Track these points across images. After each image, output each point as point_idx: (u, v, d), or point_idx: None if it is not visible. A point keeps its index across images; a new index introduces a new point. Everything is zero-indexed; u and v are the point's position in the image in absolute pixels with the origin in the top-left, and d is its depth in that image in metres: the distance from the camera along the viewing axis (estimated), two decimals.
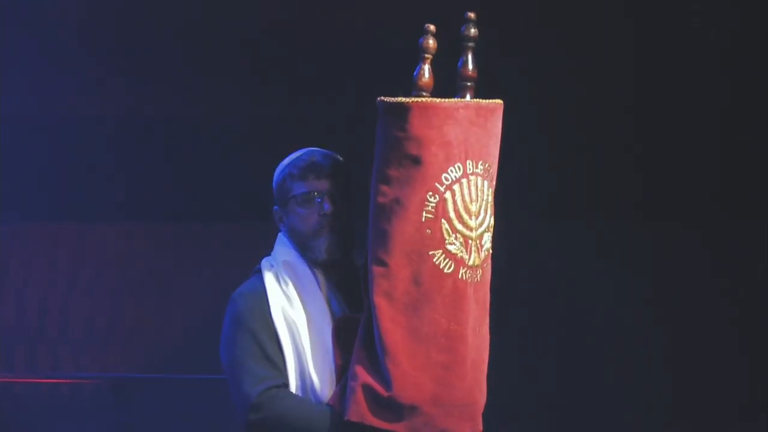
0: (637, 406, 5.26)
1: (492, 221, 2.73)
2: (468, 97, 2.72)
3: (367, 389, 2.60)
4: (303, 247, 2.78)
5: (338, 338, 2.72)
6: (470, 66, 2.71)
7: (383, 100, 2.63)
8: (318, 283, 2.76)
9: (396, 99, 2.63)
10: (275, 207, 2.83)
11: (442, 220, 2.62)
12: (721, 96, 5.08)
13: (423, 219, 2.61)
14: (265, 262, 2.80)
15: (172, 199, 5.09)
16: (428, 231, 2.62)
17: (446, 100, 2.66)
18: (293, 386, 2.70)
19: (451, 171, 2.62)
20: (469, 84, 2.71)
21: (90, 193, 5.09)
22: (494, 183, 2.74)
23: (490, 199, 2.72)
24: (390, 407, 2.60)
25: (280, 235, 2.83)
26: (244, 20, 4.91)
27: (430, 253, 2.61)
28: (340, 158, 2.85)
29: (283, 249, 2.81)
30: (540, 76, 4.96)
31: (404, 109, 2.61)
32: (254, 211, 5.28)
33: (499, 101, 2.73)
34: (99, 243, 5.18)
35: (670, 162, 5.22)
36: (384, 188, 2.63)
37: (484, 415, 2.75)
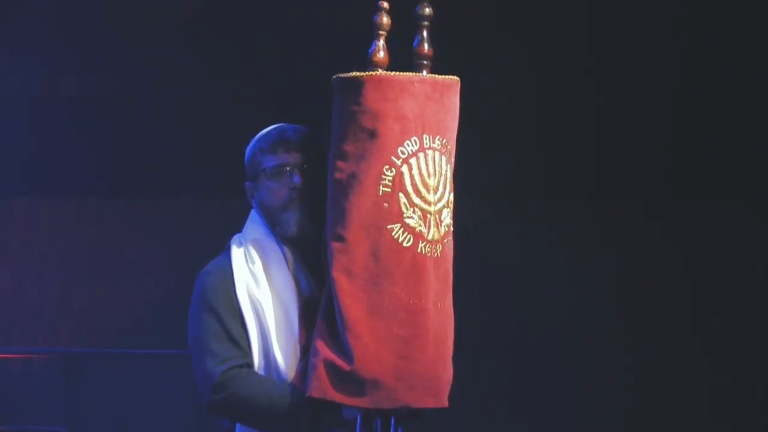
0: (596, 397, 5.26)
1: (451, 197, 2.68)
2: (424, 74, 2.67)
3: (329, 364, 2.56)
4: (273, 221, 2.73)
5: (304, 318, 2.68)
6: (426, 45, 2.66)
7: (338, 77, 2.59)
8: (286, 261, 2.72)
9: (351, 74, 2.59)
10: (247, 183, 2.78)
11: (400, 194, 2.58)
12: (721, 95, 5.04)
13: (380, 193, 2.58)
14: (234, 239, 2.76)
15: (126, 176, 5.06)
16: (386, 205, 2.58)
17: (402, 73, 2.62)
18: (257, 366, 2.66)
19: (408, 144, 2.59)
20: (425, 62, 2.66)
21: (42, 169, 5.05)
22: (453, 160, 2.70)
23: (449, 175, 2.67)
24: (352, 381, 2.56)
25: (252, 212, 2.79)
26: None
27: (389, 227, 2.58)
28: (312, 133, 2.80)
29: (253, 226, 2.77)
30: (498, 57, 4.92)
31: (359, 83, 2.57)
32: (212, 188, 5.38)
33: (456, 78, 2.68)
34: (53, 218, 5.15)
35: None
36: (340, 164, 2.59)
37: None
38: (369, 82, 2.57)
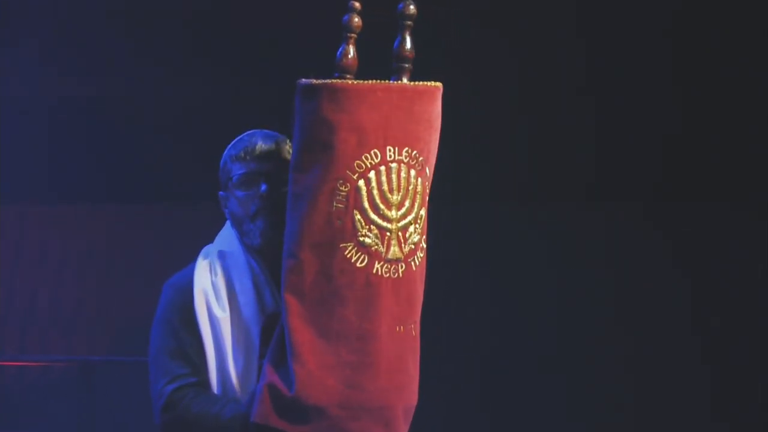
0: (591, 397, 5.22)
1: (422, 213, 2.50)
2: (404, 79, 2.49)
3: (272, 389, 2.42)
4: (241, 232, 2.62)
5: (266, 335, 2.54)
6: (407, 46, 2.49)
7: (298, 82, 2.43)
8: (251, 275, 2.60)
9: (308, 80, 2.42)
10: (220, 192, 2.69)
11: (354, 211, 2.42)
12: (721, 95, 5.02)
13: (333, 209, 2.41)
14: (203, 250, 2.66)
15: (141, 182, 5.05)
16: (339, 222, 2.41)
17: (363, 82, 2.44)
18: (214, 383, 2.56)
19: (366, 158, 2.42)
20: (405, 65, 2.49)
21: (54, 176, 5.06)
22: (428, 172, 2.51)
23: (420, 188, 2.49)
24: (294, 408, 2.41)
25: (227, 222, 2.69)
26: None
27: (341, 245, 2.41)
28: (287, 139, 2.66)
29: (223, 236, 2.67)
30: (485, 56, 4.85)
31: (314, 90, 2.40)
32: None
33: (436, 84, 2.50)
34: (67, 225, 5.15)
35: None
36: (296, 176, 2.44)
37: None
38: (324, 90, 2.39)
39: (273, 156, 2.60)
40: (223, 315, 2.55)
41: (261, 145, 2.61)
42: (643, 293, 5.21)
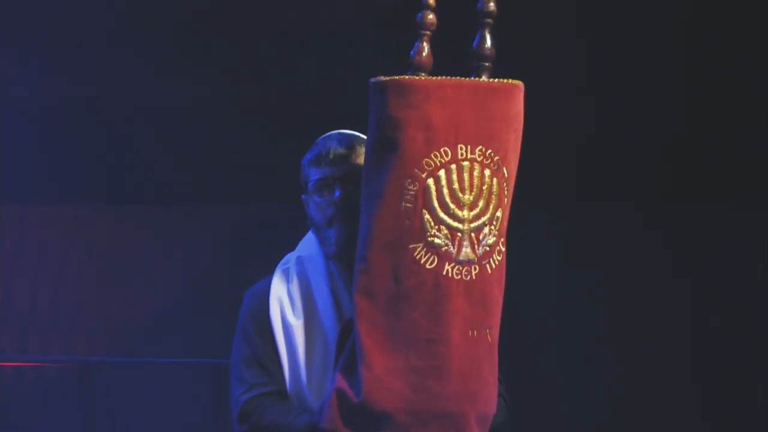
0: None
1: (499, 213, 2.40)
2: (484, 77, 2.41)
3: (341, 395, 2.37)
4: (320, 238, 2.57)
5: (341, 343, 2.47)
6: (487, 44, 2.41)
7: (371, 80, 2.37)
8: (329, 282, 2.55)
9: (377, 78, 2.36)
10: (302, 196, 2.62)
11: (424, 210, 2.34)
12: (721, 95, 4.99)
13: (402, 208, 2.34)
14: (284, 258, 2.62)
15: (139, 183, 5.05)
16: (408, 222, 2.34)
17: (433, 78, 2.37)
18: (290, 391, 2.53)
19: (435, 156, 2.34)
20: (486, 64, 2.41)
21: (56, 177, 5.05)
22: (505, 172, 2.41)
23: (496, 189, 2.39)
24: (361, 414, 2.36)
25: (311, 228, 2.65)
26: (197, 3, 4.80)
27: (411, 246, 2.35)
28: (363, 141, 2.56)
29: (304, 242, 2.63)
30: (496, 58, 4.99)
31: (383, 87, 2.34)
32: (230, 195, 5.40)
33: (514, 82, 2.41)
34: (66, 226, 5.15)
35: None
36: (368, 175, 2.38)
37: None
38: (391, 86, 2.33)
39: (348, 159, 2.54)
40: (297, 322, 2.52)
41: (335, 149, 2.54)
42: (643, 294, 5.19)
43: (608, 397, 5.16)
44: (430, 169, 2.33)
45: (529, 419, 5.00)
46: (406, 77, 2.33)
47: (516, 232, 5.18)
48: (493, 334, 2.40)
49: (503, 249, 2.40)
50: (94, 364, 4.88)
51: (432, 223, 2.34)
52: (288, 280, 2.55)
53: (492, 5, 2.40)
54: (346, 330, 2.44)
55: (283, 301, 2.54)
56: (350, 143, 2.55)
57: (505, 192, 2.39)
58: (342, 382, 2.36)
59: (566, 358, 5.18)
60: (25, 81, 4.86)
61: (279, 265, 2.59)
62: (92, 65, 4.88)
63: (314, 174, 2.54)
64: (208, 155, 4.95)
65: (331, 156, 2.52)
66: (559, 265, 5.18)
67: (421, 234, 2.33)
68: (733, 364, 5.13)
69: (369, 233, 2.35)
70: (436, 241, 2.34)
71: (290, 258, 2.59)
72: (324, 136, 2.60)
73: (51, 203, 5.09)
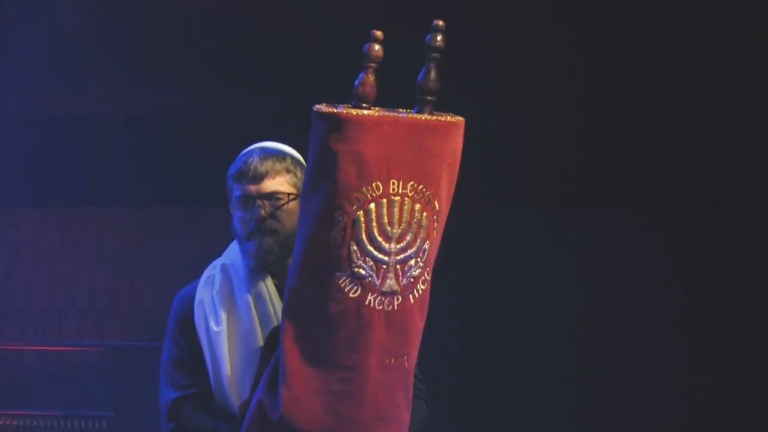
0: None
1: (426, 246, 2.38)
2: (426, 111, 2.38)
3: (261, 408, 2.38)
4: (241, 250, 2.58)
5: (267, 347, 2.48)
6: (432, 78, 2.37)
7: (313, 109, 2.34)
8: (251, 290, 2.55)
9: (318, 107, 2.33)
10: (229, 206, 2.64)
11: (351, 242, 2.32)
12: (719, 95, 4.94)
13: (331, 238, 2.32)
14: (210, 265, 2.63)
15: (163, 187, 5.17)
16: (336, 251, 2.32)
17: (371, 113, 2.32)
18: (215, 393, 2.56)
19: (367, 190, 2.32)
20: (429, 98, 2.37)
21: (92, 181, 5.19)
22: (437, 206, 2.38)
23: (425, 222, 2.37)
24: (278, 430, 2.36)
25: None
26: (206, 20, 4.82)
27: (336, 274, 2.33)
28: (288, 156, 2.59)
29: (229, 251, 2.63)
30: (483, 59, 4.76)
31: (322, 117, 2.31)
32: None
33: (454, 119, 2.38)
34: (101, 226, 5.29)
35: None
36: (304, 201, 2.36)
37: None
38: (329, 119, 2.30)
39: (269, 176, 2.54)
40: (218, 329, 2.52)
41: (257, 166, 2.54)
42: (643, 294, 5.16)
43: (607, 397, 5.12)
44: (361, 202, 2.31)
45: (525, 419, 5.11)
46: (344, 111, 2.30)
47: (510, 234, 5.23)
48: (410, 361, 2.41)
49: (428, 278, 2.40)
50: (126, 348, 5.04)
51: (358, 255, 2.32)
52: (212, 287, 2.56)
53: (439, 40, 2.35)
54: (274, 339, 2.44)
55: (206, 307, 2.54)
56: (271, 159, 2.55)
57: (435, 225, 2.38)
58: (264, 396, 2.37)
59: (567, 360, 5.14)
60: (30, 95, 4.97)
61: (205, 270, 2.61)
62: (103, 73, 4.95)
63: (236, 190, 2.56)
64: (225, 160, 5.11)
65: (251, 174, 2.53)
66: (558, 268, 5.15)
67: (347, 264, 2.31)
68: (733, 364, 5.09)
69: (300, 257, 2.34)
70: (361, 272, 2.33)
71: (216, 264, 2.61)
72: (247, 150, 2.60)
73: (85, 206, 5.23)
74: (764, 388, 5.06)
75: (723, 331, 5.10)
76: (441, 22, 2.36)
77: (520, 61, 4.82)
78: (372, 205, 2.32)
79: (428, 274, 2.40)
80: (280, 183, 2.54)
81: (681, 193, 5.08)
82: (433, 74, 2.37)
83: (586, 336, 5.11)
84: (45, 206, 5.21)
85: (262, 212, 2.53)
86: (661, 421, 5.11)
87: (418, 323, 2.41)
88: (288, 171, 2.56)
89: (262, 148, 2.58)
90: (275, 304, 2.53)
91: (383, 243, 2.34)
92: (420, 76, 2.37)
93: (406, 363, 2.40)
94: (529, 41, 4.76)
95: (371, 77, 2.33)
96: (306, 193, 2.34)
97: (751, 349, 5.08)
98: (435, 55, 2.36)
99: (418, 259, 2.37)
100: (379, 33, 2.32)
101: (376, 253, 2.34)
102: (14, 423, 4.84)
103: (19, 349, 5.13)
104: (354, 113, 2.30)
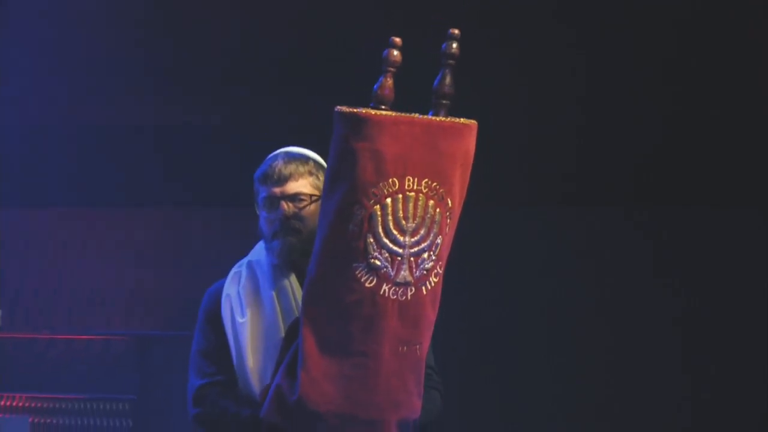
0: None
1: (438, 240, 2.46)
2: (441, 114, 2.47)
3: (280, 391, 2.47)
4: (267, 248, 2.67)
5: (287, 340, 2.55)
6: (447, 83, 2.47)
7: (335, 109, 2.43)
8: (274, 285, 2.63)
9: (339, 108, 2.42)
10: (255, 207, 2.72)
11: (368, 235, 2.41)
12: (717, 96, 4.89)
13: (350, 230, 2.41)
14: (237, 263, 2.71)
15: (182, 190, 5.30)
16: (353, 243, 2.41)
17: (389, 113, 2.41)
18: (239, 381, 2.63)
19: (384, 185, 2.41)
20: (444, 102, 2.47)
21: (119, 185, 5.35)
22: (450, 203, 2.47)
23: (438, 218, 2.46)
24: (296, 411, 2.45)
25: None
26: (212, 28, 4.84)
27: (354, 265, 2.41)
28: (311, 160, 2.68)
29: (256, 249, 2.72)
30: (481, 62, 4.71)
31: (341, 118, 2.41)
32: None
33: (466, 122, 2.47)
34: (128, 226, 5.46)
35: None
36: (325, 197, 2.45)
37: None
38: (350, 118, 2.39)
39: (292, 179, 2.63)
40: (243, 320, 2.61)
41: (281, 169, 2.63)
42: (643, 294, 5.12)
43: (607, 398, 5.09)
44: (378, 197, 2.40)
45: (525, 418, 5.08)
46: (364, 111, 2.39)
47: (510, 234, 5.20)
48: (422, 350, 2.49)
49: (441, 272, 2.48)
50: (148, 338, 5.19)
51: (374, 247, 2.41)
52: (239, 282, 2.65)
53: (455, 47, 2.45)
54: (294, 329, 2.52)
55: (232, 300, 2.64)
56: (294, 163, 2.65)
57: (447, 221, 2.47)
58: (283, 380, 2.46)
59: (567, 361, 5.11)
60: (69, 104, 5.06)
61: (233, 267, 2.70)
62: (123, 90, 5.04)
63: (262, 191, 2.65)
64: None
65: (275, 176, 2.63)
66: (558, 269, 5.12)
67: (364, 255, 2.40)
68: (733, 364, 5.04)
69: (319, 249, 2.43)
70: (377, 263, 2.41)
71: (243, 262, 2.70)
72: (272, 154, 2.70)
73: (114, 207, 5.39)
74: (764, 388, 5.00)
75: (723, 331, 5.05)
76: (457, 31, 2.44)
77: (520, 61, 4.79)
78: (388, 201, 2.41)
79: (440, 268, 2.49)
80: (303, 185, 2.63)
81: (681, 193, 5.03)
82: (448, 80, 2.46)
83: (586, 336, 5.06)
84: (79, 208, 5.39)
85: (286, 212, 2.61)
86: (661, 421, 5.07)
87: (430, 314, 2.49)
88: (310, 174, 2.66)
89: (286, 153, 2.68)
90: (297, 298, 2.62)
91: (398, 236, 2.42)
92: (436, 82, 2.47)
93: (418, 351, 2.48)
94: (529, 41, 4.75)
95: (390, 81, 2.42)
96: (326, 188, 2.44)
97: (751, 349, 5.03)
98: (450, 61, 2.46)
99: (431, 253, 2.45)
100: (398, 39, 2.41)
101: (391, 245, 2.42)
102: (46, 405, 5.02)
103: (50, 338, 5.32)
104: (373, 113, 2.40)
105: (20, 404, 4.95)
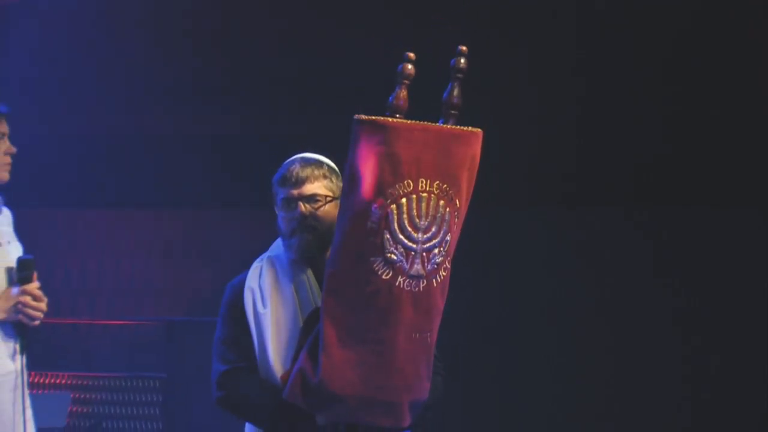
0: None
1: (447, 237, 2.59)
2: (450, 124, 2.60)
3: (303, 374, 2.58)
4: (285, 245, 2.79)
5: (305, 329, 2.67)
6: (456, 95, 2.60)
7: (354, 117, 2.56)
8: (293, 279, 2.75)
9: (359, 116, 2.55)
10: (275, 208, 2.83)
11: (385, 231, 2.53)
12: (719, 94, 4.83)
13: (368, 227, 2.54)
14: (258, 258, 2.83)
15: (201, 191, 5.47)
16: (371, 239, 2.53)
17: (404, 121, 2.55)
18: (259, 368, 2.73)
19: (399, 186, 2.54)
20: (453, 112, 2.60)
21: (150, 188, 5.56)
22: (457, 203, 2.60)
23: (448, 217, 2.59)
24: (317, 393, 2.57)
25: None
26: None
27: (371, 259, 2.54)
28: (325, 165, 2.80)
29: (274, 246, 2.84)
30: (480, 63, 4.43)
31: (362, 124, 2.54)
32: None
33: (474, 130, 2.61)
34: (157, 227, 5.68)
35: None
36: (344, 196, 2.59)
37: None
38: (369, 124, 2.53)
39: (308, 181, 2.76)
40: (264, 311, 2.74)
41: (298, 172, 2.77)
42: (643, 294, 5.11)
43: (607, 398, 5.10)
44: (394, 197, 2.56)
45: (525, 418, 5.09)
46: (381, 118, 2.55)
47: (510, 235, 5.20)
48: (432, 337, 2.65)
49: (449, 266, 2.64)
50: (176, 323, 5.36)
51: (390, 242, 2.56)
52: (260, 276, 2.78)
53: (463, 62, 2.62)
54: (313, 318, 2.66)
55: (255, 293, 2.77)
56: (312, 165, 2.79)
57: (455, 220, 2.63)
58: (306, 363, 2.59)
59: (568, 362, 5.11)
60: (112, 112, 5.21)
61: (254, 263, 2.83)
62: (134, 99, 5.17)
63: (280, 193, 2.79)
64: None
65: (293, 179, 2.77)
66: (559, 270, 5.13)
67: (381, 250, 2.55)
68: (733, 364, 5.02)
69: (340, 245, 2.57)
70: (393, 257, 2.56)
71: (263, 257, 2.84)
72: (289, 159, 2.85)
73: (144, 208, 5.61)
74: (764, 388, 4.99)
75: (723, 331, 5.02)
76: (465, 48, 2.62)
77: (520, 61, 4.80)
78: (403, 200, 2.56)
79: (449, 263, 2.63)
80: (318, 187, 2.77)
81: (681, 193, 5.02)
82: (456, 92, 2.63)
83: (586, 336, 5.06)
84: (117, 210, 5.63)
85: (304, 212, 2.74)
86: (661, 421, 5.06)
87: (440, 304, 2.64)
88: (325, 177, 2.79)
89: (302, 158, 2.82)
90: (314, 291, 2.75)
91: (412, 232, 2.57)
92: (445, 94, 2.63)
93: (428, 339, 2.63)
94: (529, 41, 4.76)
95: (404, 92, 2.59)
96: (346, 189, 2.59)
97: (751, 348, 5.00)
98: (459, 75, 2.62)
99: (441, 249, 2.60)
100: (411, 54, 2.59)
101: (406, 241, 2.57)
102: (85, 383, 5.34)
103: (89, 323, 5.62)
104: (390, 120, 2.57)
105: (63, 382, 5.29)
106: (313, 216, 2.75)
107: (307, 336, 2.64)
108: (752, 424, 4.97)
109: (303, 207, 2.75)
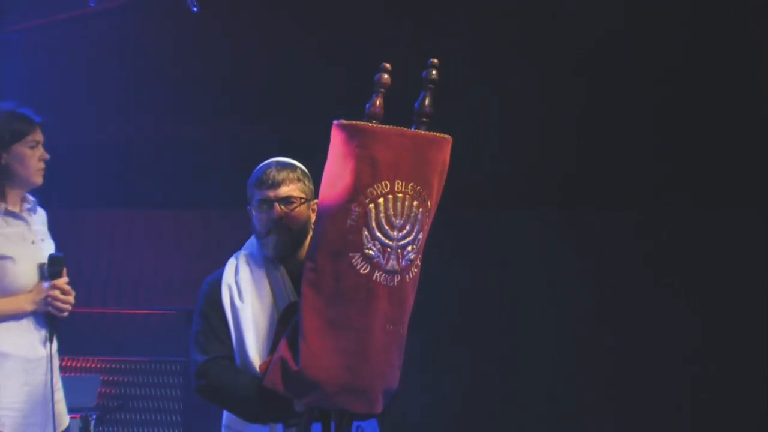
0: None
1: (420, 236, 2.70)
2: (422, 131, 2.71)
3: (282, 362, 2.66)
4: (260, 243, 2.88)
5: (281, 322, 2.76)
6: (427, 105, 2.71)
7: (334, 121, 2.66)
8: (267, 275, 2.84)
9: (339, 121, 2.65)
10: (248, 207, 2.91)
11: (363, 228, 2.63)
12: (719, 94, 4.81)
13: (347, 225, 2.63)
14: (233, 256, 2.92)
15: (217, 192, 5.51)
16: (350, 236, 2.63)
17: (382, 126, 2.65)
18: (237, 359, 2.82)
19: (377, 187, 2.64)
20: (424, 120, 2.72)
21: (170, 189, 5.67)
22: (429, 204, 2.71)
23: (420, 217, 2.69)
24: (297, 380, 2.65)
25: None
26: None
27: (350, 254, 2.63)
28: (299, 168, 2.88)
29: (248, 244, 2.93)
30: (478, 64, 4.69)
31: (342, 128, 2.65)
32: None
33: (445, 136, 2.71)
34: (176, 227, 5.82)
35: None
36: (321, 196, 2.69)
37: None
38: (350, 128, 2.64)
39: (284, 183, 2.86)
40: (242, 305, 2.84)
41: (274, 175, 2.87)
42: (643, 294, 5.10)
43: (607, 398, 5.10)
44: (372, 197, 2.66)
45: (525, 418, 5.09)
46: (362, 123, 2.67)
47: (510, 235, 5.19)
48: (404, 329, 2.76)
49: (419, 263, 2.76)
50: (191, 312, 4.94)
51: (369, 239, 2.66)
52: (236, 272, 2.89)
53: (434, 74, 2.73)
54: (289, 312, 2.76)
55: (231, 288, 2.87)
56: (286, 170, 2.89)
57: (427, 220, 2.75)
58: (286, 353, 2.68)
59: (570, 363, 5.12)
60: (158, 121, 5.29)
61: (229, 260, 2.93)
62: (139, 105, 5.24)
63: (257, 195, 2.88)
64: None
65: (270, 181, 2.86)
66: (559, 270, 5.13)
67: (359, 246, 2.65)
68: (733, 364, 4.99)
69: (319, 241, 2.67)
70: (370, 253, 2.66)
71: (237, 255, 2.94)
72: (264, 163, 2.93)
73: (159, 208, 5.76)
74: (764, 388, 4.98)
75: (723, 331, 5.01)
76: (436, 60, 2.73)
77: (520, 61, 4.82)
78: (381, 200, 2.66)
79: (419, 260, 2.76)
80: (293, 189, 2.87)
81: (681, 194, 5.02)
82: (428, 101, 2.75)
83: (585, 336, 5.07)
84: (142, 210, 5.81)
85: (279, 213, 2.84)
86: (661, 421, 5.06)
87: (411, 298, 2.76)
88: (299, 180, 2.90)
89: (277, 162, 2.92)
90: (288, 286, 2.86)
91: (389, 230, 2.67)
92: (417, 103, 2.76)
93: (401, 330, 2.74)
94: (529, 41, 4.77)
95: (380, 100, 2.69)
96: (326, 190, 2.69)
97: (751, 349, 4.99)
98: (430, 86, 2.74)
99: (414, 246, 2.72)
100: (388, 65, 2.70)
101: (383, 238, 2.67)
102: (113, 366, 5.54)
103: (117, 312, 5.85)
104: (369, 124, 2.69)
105: (93, 365, 5.52)
106: (288, 217, 2.85)
107: (284, 328, 2.74)
108: (752, 425, 4.92)
109: (278, 208, 2.85)
